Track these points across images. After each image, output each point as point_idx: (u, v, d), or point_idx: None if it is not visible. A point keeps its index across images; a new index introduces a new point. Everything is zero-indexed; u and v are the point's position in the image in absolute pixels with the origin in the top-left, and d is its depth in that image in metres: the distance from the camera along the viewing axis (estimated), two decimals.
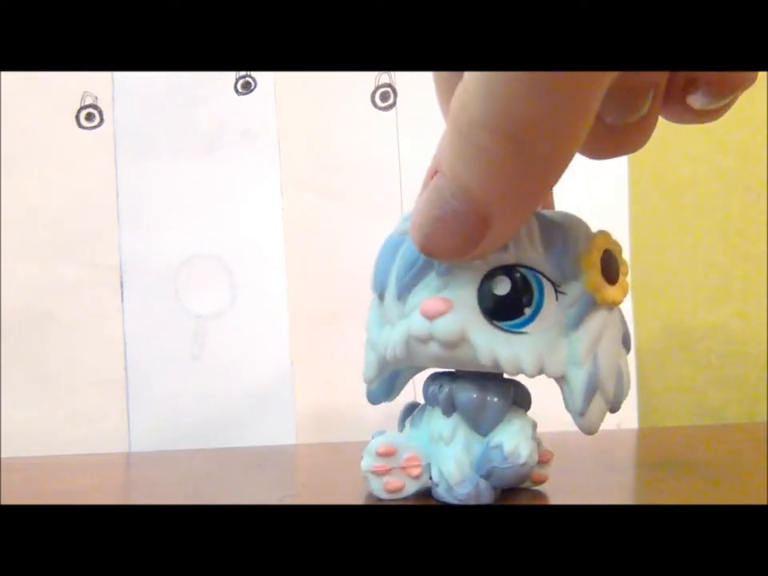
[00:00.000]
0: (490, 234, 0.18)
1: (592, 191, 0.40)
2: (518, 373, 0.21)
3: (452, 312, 0.21)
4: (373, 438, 0.24)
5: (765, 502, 0.22)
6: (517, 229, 0.20)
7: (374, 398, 0.25)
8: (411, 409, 0.25)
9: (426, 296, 0.21)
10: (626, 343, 0.22)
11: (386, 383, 0.24)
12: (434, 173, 0.18)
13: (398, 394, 0.25)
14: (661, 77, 0.20)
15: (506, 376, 0.23)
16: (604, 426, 0.22)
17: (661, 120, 0.21)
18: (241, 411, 0.41)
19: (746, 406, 0.43)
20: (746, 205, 0.44)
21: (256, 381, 0.41)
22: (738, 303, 0.44)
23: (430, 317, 0.21)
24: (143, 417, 0.41)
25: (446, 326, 0.21)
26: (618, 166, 0.42)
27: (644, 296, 0.43)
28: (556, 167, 0.18)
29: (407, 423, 0.24)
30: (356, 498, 0.24)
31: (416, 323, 0.21)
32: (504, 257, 0.21)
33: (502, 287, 0.21)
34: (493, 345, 0.21)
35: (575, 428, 0.22)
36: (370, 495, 0.23)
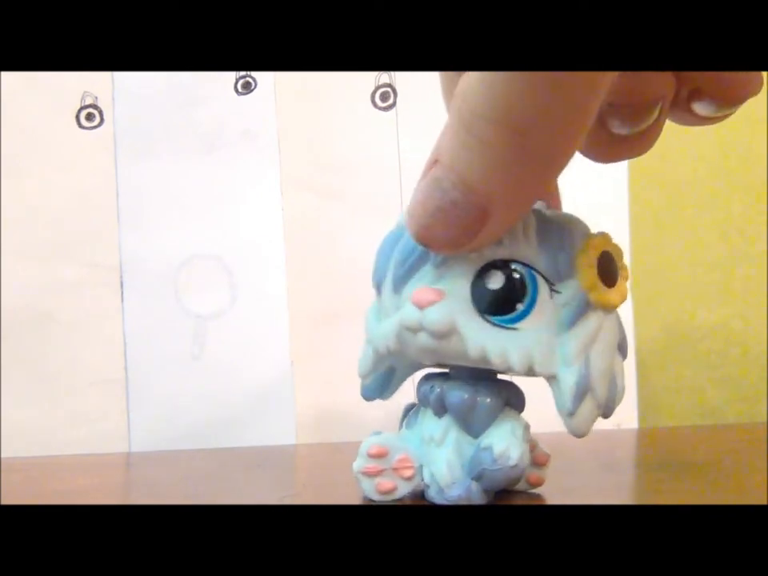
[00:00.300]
0: (488, 225, 0.18)
1: (592, 191, 0.40)
2: (506, 369, 0.21)
3: (443, 302, 0.21)
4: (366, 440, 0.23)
5: (765, 502, 0.22)
6: (515, 222, 0.20)
7: (368, 393, 0.24)
8: (410, 410, 0.25)
9: (419, 287, 0.21)
10: (622, 350, 0.22)
11: (380, 379, 0.24)
12: (433, 162, 0.18)
13: (392, 393, 0.25)
14: (668, 90, 0.20)
15: (499, 377, 0.23)
16: (604, 426, 0.22)
17: None
18: (241, 411, 0.41)
19: (746, 406, 0.43)
20: (746, 205, 0.44)
21: (256, 381, 0.41)
22: (738, 303, 0.44)
23: (421, 306, 0.21)
24: (143, 417, 0.41)
25: (435, 316, 0.20)
26: (618, 166, 0.42)
27: (644, 296, 0.43)
28: (556, 161, 0.18)
29: (403, 424, 0.24)
30: (356, 499, 0.24)
31: (408, 313, 0.21)
32: (499, 251, 0.21)
33: (495, 281, 0.21)
34: (482, 338, 0.20)
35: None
36: (367, 496, 0.23)
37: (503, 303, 0.21)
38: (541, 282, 0.21)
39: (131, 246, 0.42)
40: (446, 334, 0.21)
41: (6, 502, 0.25)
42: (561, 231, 0.21)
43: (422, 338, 0.21)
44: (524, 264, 0.21)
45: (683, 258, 0.44)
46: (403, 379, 0.25)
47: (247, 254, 0.42)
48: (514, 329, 0.21)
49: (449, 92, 0.22)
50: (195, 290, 0.41)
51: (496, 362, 0.21)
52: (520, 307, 0.21)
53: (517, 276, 0.21)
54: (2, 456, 0.39)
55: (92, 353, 0.41)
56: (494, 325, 0.21)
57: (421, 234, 0.19)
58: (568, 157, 0.18)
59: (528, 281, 0.21)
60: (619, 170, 0.43)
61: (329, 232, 0.42)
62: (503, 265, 0.21)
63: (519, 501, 0.23)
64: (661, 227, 0.44)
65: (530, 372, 0.21)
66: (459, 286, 0.21)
